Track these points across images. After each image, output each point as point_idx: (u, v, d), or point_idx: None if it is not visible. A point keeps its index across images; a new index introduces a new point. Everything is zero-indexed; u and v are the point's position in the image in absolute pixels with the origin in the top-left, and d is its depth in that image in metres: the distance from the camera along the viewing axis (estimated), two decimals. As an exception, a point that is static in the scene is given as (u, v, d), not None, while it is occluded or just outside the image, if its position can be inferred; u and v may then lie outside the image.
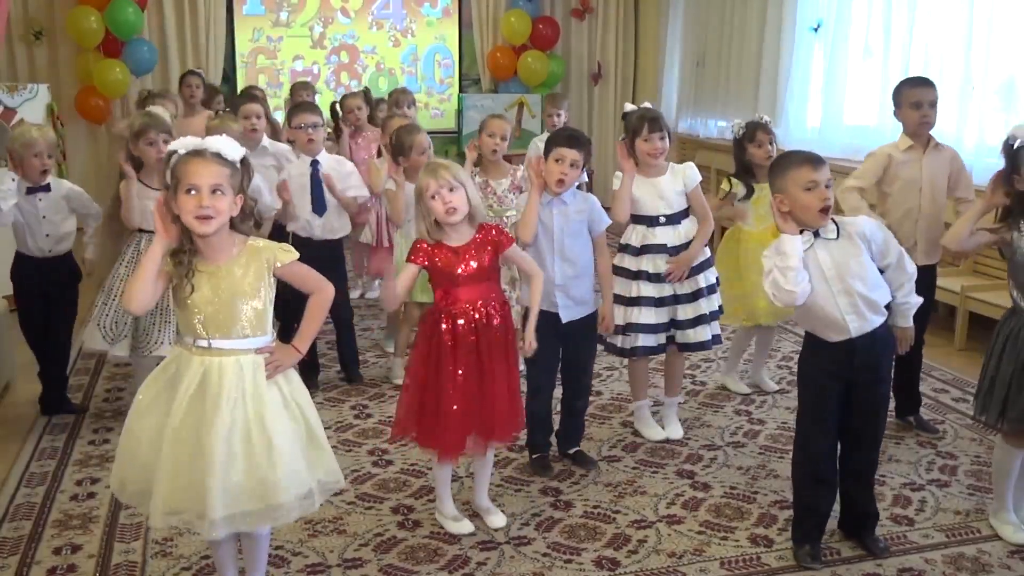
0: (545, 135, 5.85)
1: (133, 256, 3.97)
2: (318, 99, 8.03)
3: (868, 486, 3.05)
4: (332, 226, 4.40)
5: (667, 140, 3.65)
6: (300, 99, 6.25)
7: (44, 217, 3.98)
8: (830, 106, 6.95)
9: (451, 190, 2.88)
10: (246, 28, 8.79)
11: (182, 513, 2.34)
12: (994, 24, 5.43)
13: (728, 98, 8.20)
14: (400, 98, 6.01)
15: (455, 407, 2.94)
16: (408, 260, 2.96)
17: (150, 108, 4.72)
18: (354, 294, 6.01)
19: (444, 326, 2.96)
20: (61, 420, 4.13)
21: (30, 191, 3.93)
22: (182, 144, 2.34)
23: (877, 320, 2.82)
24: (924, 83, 3.85)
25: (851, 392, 2.88)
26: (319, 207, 4.34)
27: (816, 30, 7.07)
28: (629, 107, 3.83)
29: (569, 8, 9.45)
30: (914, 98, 3.79)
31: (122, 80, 7.63)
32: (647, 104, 3.82)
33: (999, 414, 2.99)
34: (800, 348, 3.05)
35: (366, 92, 6.30)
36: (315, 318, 2.53)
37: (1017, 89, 5.30)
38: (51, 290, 4.07)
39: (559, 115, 5.82)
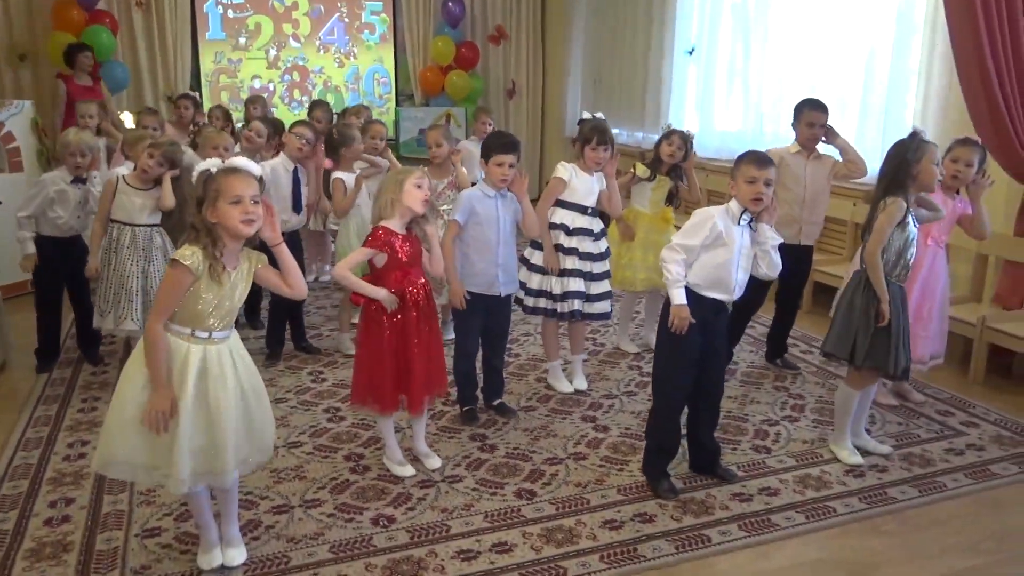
0: (473, 139, 5.93)
1: (108, 243, 3.94)
2: (275, 112, 7.90)
3: (713, 432, 3.12)
4: (291, 221, 4.36)
5: (610, 151, 3.69)
6: (254, 112, 6.11)
7: (79, 202, 4.08)
8: (704, 115, 7.07)
9: (427, 189, 2.97)
10: (209, 51, 8.51)
11: (202, 474, 2.32)
12: (829, 51, 5.61)
13: (621, 110, 8.27)
14: (361, 111, 6.12)
15: (418, 367, 2.96)
16: (368, 246, 2.93)
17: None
18: (309, 278, 5.93)
19: (409, 301, 2.95)
20: (53, 391, 3.98)
21: (73, 181, 4.05)
22: (213, 164, 2.31)
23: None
24: (821, 107, 3.95)
25: (701, 360, 2.92)
26: (298, 206, 4.33)
27: (691, 53, 7.19)
28: (586, 115, 3.86)
29: (487, 35, 9.42)
30: (810, 119, 3.91)
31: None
32: (600, 115, 3.84)
33: (894, 363, 3.05)
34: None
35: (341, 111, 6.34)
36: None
37: (848, 105, 5.48)
38: (70, 261, 4.15)
39: (489, 124, 5.86)
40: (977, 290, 4.56)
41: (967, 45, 4.09)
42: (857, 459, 3.23)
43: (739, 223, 2.85)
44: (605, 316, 3.86)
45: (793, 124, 4.02)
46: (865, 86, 5.33)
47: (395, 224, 2.95)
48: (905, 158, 3.05)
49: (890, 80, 5.13)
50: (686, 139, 4.22)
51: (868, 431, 3.42)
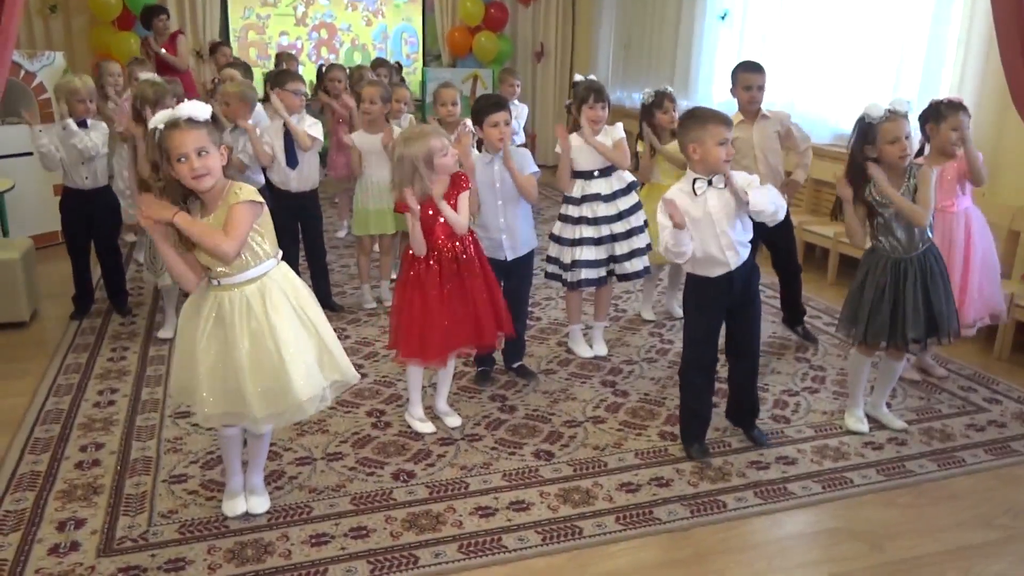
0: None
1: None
2: (301, 70, 7.86)
3: (753, 386, 3.13)
4: (305, 178, 4.34)
5: (607, 110, 3.65)
6: (285, 67, 6.12)
7: (82, 148, 4.09)
8: (735, 83, 6.95)
9: (451, 150, 2.96)
10: (238, 7, 8.48)
11: (230, 415, 2.39)
12: (866, 20, 5.48)
13: (649, 75, 8.13)
14: (364, 71, 6.07)
15: (446, 322, 3.00)
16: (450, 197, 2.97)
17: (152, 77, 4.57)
18: (341, 233, 6.00)
19: (459, 253, 3.03)
20: (84, 340, 4.07)
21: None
22: (159, 119, 2.25)
23: (746, 254, 2.89)
24: (755, 68, 3.88)
25: (731, 314, 2.94)
26: (292, 161, 4.28)
27: (723, 18, 7.05)
28: (579, 77, 3.81)
29: (517, -5, 9.30)
30: (746, 82, 3.84)
31: (136, 51, 7.35)
32: (593, 77, 3.80)
33: (863, 333, 3.08)
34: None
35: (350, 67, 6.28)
36: (204, 231, 2.26)
37: (883, 76, 5.36)
38: (95, 215, 4.22)
39: (516, 85, 5.83)
40: (1007, 267, 4.49)
41: (1008, 12, 3.97)
42: (863, 427, 3.23)
43: (696, 195, 2.79)
44: (638, 275, 3.84)
45: (731, 91, 3.96)
46: (902, 57, 5.21)
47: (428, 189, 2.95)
48: (859, 145, 3.00)
49: (928, 50, 5.00)
50: (674, 98, 4.15)
51: (889, 405, 3.40)
